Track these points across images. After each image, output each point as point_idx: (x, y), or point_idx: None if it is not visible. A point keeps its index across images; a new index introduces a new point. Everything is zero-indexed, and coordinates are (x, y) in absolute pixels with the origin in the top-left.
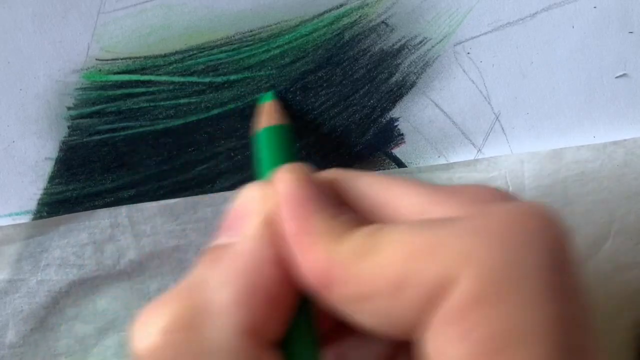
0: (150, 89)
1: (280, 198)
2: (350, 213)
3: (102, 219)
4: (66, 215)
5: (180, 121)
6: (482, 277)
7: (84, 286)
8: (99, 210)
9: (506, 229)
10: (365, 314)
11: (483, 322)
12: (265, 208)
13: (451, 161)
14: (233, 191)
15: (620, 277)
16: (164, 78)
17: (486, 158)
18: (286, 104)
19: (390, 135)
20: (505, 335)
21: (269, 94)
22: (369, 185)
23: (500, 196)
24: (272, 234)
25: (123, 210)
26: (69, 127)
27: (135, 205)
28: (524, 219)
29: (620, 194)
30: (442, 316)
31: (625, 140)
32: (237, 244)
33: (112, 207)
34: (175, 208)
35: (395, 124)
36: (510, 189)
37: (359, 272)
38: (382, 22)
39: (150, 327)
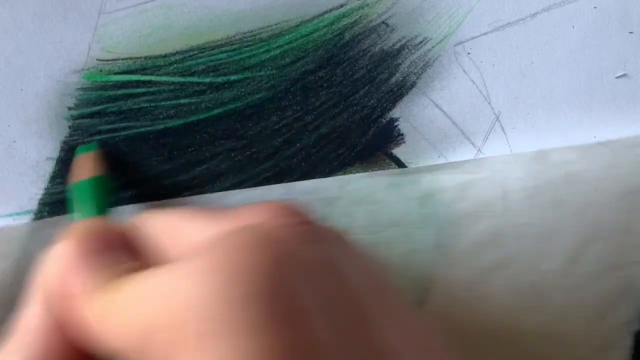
0: (151, 89)
1: (56, 261)
2: (127, 262)
3: None
4: (66, 215)
5: (181, 121)
6: (183, 318)
7: None
8: None
9: (216, 263)
10: None
11: None
12: (42, 278)
13: (450, 161)
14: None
15: (610, 277)
16: (164, 78)
17: (473, 159)
18: (110, 153)
19: (390, 135)
20: None
21: (91, 145)
22: (164, 225)
23: (271, 214)
24: (43, 304)
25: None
26: (69, 127)
27: (137, 204)
28: (231, 250)
29: (608, 194)
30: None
31: (611, 140)
32: (23, 314)
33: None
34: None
35: (396, 124)
36: (497, 190)
37: (107, 329)
38: (383, 22)
39: None
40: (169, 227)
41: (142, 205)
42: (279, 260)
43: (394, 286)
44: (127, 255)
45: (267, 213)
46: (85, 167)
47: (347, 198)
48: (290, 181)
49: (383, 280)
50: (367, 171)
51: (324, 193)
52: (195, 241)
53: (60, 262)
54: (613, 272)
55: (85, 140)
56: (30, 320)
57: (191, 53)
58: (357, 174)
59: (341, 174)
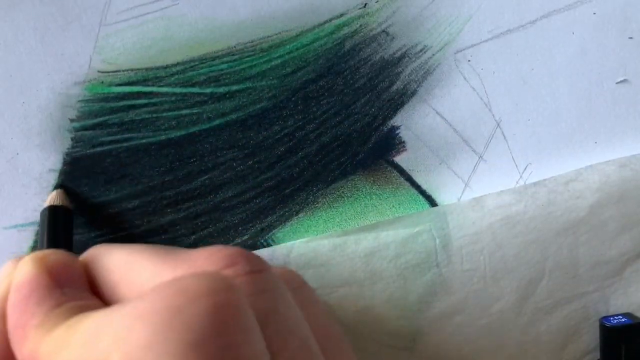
0: (152, 100)
1: (13, 287)
2: (79, 300)
3: None
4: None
5: (183, 132)
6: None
7: None
8: None
9: (158, 308)
10: None
11: None
12: (2, 289)
13: (452, 167)
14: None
15: (561, 311)
16: (165, 89)
17: (408, 215)
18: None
19: (391, 143)
20: None
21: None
22: (114, 261)
23: (219, 262)
24: (2, 314)
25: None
26: (72, 139)
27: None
28: (172, 297)
29: (549, 231)
30: None
31: (545, 179)
32: None
33: None
34: None
35: (397, 132)
36: (437, 241)
37: None
38: (383, 31)
39: None
40: (122, 263)
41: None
42: (222, 310)
43: (342, 336)
44: (84, 292)
45: (221, 260)
46: (51, 197)
47: (294, 263)
48: (292, 190)
49: (332, 330)
50: (370, 179)
51: (270, 261)
52: (146, 281)
53: (18, 287)
54: (566, 306)
55: (88, 151)
56: None
57: (192, 64)
58: (299, 240)
59: (343, 182)
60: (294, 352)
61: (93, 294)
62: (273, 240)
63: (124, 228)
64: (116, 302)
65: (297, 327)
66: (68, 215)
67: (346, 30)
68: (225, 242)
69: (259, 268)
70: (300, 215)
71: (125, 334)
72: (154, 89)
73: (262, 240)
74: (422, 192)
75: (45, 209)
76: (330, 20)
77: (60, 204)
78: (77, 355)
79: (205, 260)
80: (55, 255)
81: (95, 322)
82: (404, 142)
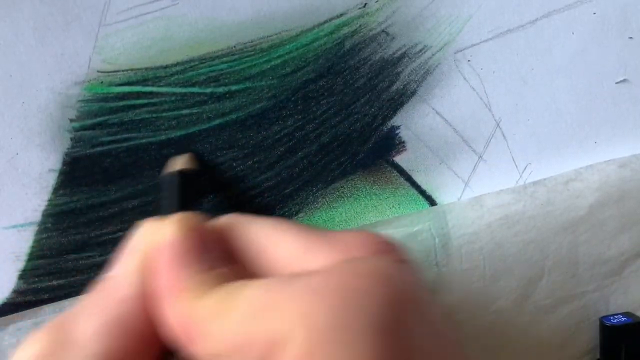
0: (152, 100)
1: (160, 247)
2: (226, 266)
3: (47, 315)
4: (11, 315)
5: (183, 132)
6: (311, 338)
7: None
8: (43, 306)
9: (340, 289)
10: None
11: None
12: (145, 248)
13: (452, 168)
14: None
15: (561, 311)
16: (165, 89)
17: (408, 214)
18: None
19: (391, 143)
20: None
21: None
22: (256, 232)
23: (373, 247)
24: (146, 274)
25: (66, 304)
26: (71, 139)
27: (77, 297)
28: (358, 279)
29: (549, 231)
30: None
31: (544, 179)
32: (111, 278)
33: (57, 302)
34: None
35: (397, 132)
36: (437, 240)
37: (212, 331)
38: (383, 30)
39: (23, 355)
40: (264, 235)
41: None
42: (400, 297)
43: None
44: (227, 257)
45: (375, 245)
46: (179, 162)
47: None
48: (292, 190)
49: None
50: (370, 179)
51: None
52: (295, 257)
53: (166, 247)
54: (566, 305)
55: (88, 151)
56: (123, 284)
57: (192, 64)
58: None
59: (343, 182)
60: (448, 344)
61: (232, 261)
62: None
63: (123, 228)
64: (258, 272)
65: (439, 319)
66: (194, 181)
67: (346, 30)
68: None
69: (407, 258)
70: (300, 215)
71: (307, 309)
72: (154, 89)
73: None
74: (422, 192)
75: (175, 172)
76: (330, 20)
77: (190, 168)
78: (244, 324)
79: (359, 245)
80: (195, 218)
81: (264, 293)
82: (404, 142)
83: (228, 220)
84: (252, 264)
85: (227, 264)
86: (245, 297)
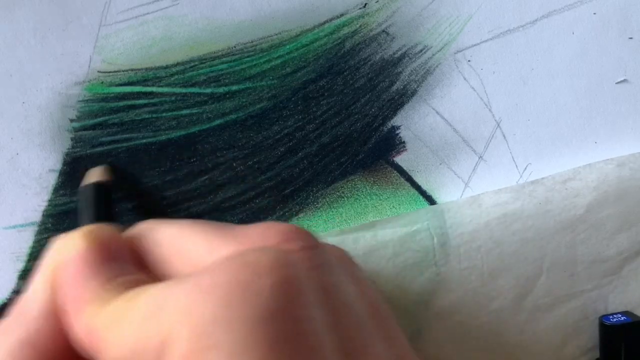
0: (152, 101)
1: (65, 262)
2: (133, 274)
3: None
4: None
5: (183, 132)
6: (194, 334)
7: None
8: None
9: (225, 282)
10: None
11: None
12: (53, 263)
13: (452, 168)
14: None
15: (560, 310)
16: (165, 89)
17: (406, 213)
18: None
19: (392, 143)
20: None
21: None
22: (166, 236)
23: (277, 238)
24: (54, 289)
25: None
26: (72, 139)
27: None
28: (243, 270)
29: (547, 230)
30: None
31: (543, 178)
32: (24, 298)
33: None
34: None
35: (397, 132)
36: (435, 240)
37: (111, 338)
38: (383, 31)
39: None
40: (173, 238)
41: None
42: (288, 284)
43: (389, 312)
44: (133, 266)
45: (274, 235)
46: (94, 174)
47: None
48: (292, 190)
49: (380, 306)
50: (370, 180)
51: None
52: (200, 256)
53: (71, 261)
54: (564, 304)
55: (88, 151)
56: (34, 303)
57: (192, 64)
58: None
59: (343, 183)
60: (352, 326)
61: (142, 268)
62: None
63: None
64: (167, 276)
65: (353, 302)
66: (109, 192)
67: (346, 30)
68: None
69: (313, 244)
70: (300, 215)
71: (191, 307)
72: (154, 89)
73: None
74: (423, 193)
75: (89, 185)
76: (330, 20)
77: (104, 179)
78: (138, 329)
79: (259, 236)
80: (103, 229)
81: (156, 296)
82: (404, 142)
83: (139, 228)
84: (164, 269)
85: (136, 271)
86: (141, 300)
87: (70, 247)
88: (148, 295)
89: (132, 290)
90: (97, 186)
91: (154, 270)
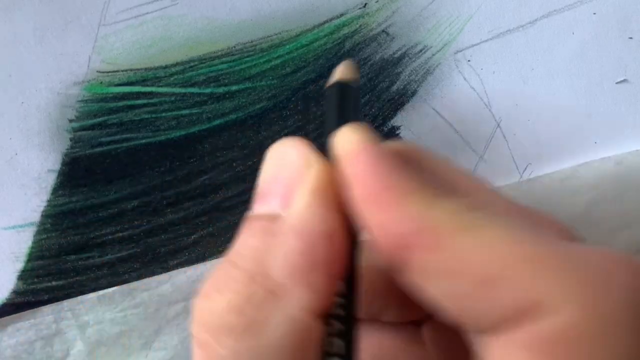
0: (152, 101)
1: (346, 158)
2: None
3: (46, 315)
4: (10, 316)
5: (182, 132)
6: (588, 316)
7: None
8: (42, 307)
9: (613, 274)
10: (436, 289)
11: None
12: (311, 175)
13: None
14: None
15: None
16: (165, 89)
17: None
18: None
19: None
20: None
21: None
22: (443, 168)
23: (564, 232)
24: (325, 205)
25: (65, 304)
26: (71, 140)
27: (75, 298)
28: (623, 267)
29: None
30: (525, 336)
31: (541, 176)
32: (288, 218)
33: (55, 303)
34: (114, 296)
35: (397, 132)
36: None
37: (453, 246)
38: (383, 31)
39: (214, 304)
40: (443, 170)
41: (82, 297)
42: None
43: None
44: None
45: (556, 225)
46: (339, 72)
47: None
48: None
49: None
50: None
51: None
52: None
53: (362, 159)
54: None
55: (87, 152)
56: (306, 226)
57: (192, 64)
58: None
59: None
60: None
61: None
62: None
63: (124, 228)
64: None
65: None
66: (357, 93)
67: (346, 30)
68: (226, 242)
69: None
70: None
71: (579, 284)
72: (154, 89)
73: None
74: None
75: (334, 84)
76: (330, 20)
77: (352, 77)
78: (488, 252)
79: (553, 223)
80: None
81: (526, 242)
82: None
83: (403, 145)
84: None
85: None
86: (499, 227)
87: (353, 140)
88: (509, 228)
89: (469, 200)
90: (341, 85)
91: None
